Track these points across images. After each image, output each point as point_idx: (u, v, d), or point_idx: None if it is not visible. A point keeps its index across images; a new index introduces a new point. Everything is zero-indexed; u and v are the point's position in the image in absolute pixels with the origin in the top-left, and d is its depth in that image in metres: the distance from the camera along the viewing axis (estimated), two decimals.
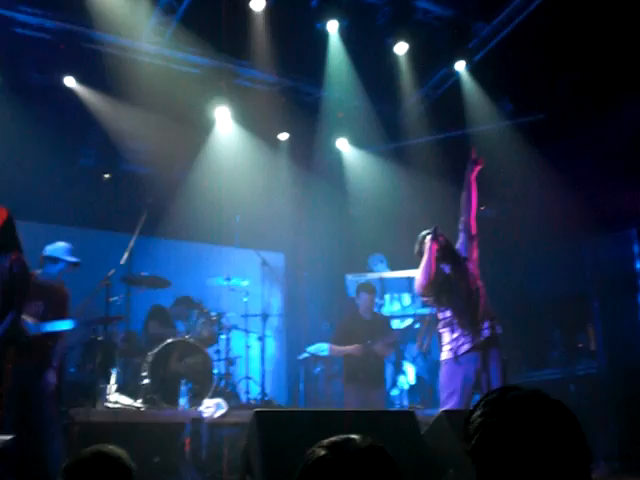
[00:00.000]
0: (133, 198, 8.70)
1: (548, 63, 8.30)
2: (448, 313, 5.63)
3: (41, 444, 5.55)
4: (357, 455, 1.69)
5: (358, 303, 7.99)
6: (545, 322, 9.03)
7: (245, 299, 8.79)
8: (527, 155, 8.73)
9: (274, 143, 9.54)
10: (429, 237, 5.68)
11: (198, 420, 6.90)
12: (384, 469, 1.71)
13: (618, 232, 8.32)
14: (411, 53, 8.52)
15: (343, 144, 10.22)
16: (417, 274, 5.69)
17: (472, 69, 8.90)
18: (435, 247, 5.63)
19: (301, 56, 8.47)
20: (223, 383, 7.97)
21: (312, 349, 8.52)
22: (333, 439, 1.75)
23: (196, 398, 7.29)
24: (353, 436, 1.76)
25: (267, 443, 3.71)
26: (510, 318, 7.19)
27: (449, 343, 5.56)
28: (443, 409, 4.30)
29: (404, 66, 8.70)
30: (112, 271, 7.31)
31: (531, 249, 9.00)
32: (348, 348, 7.73)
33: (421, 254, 5.72)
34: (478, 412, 1.74)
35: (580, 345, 8.86)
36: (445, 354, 5.57)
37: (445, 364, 5.53)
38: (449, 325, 5.60)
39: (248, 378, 8.56)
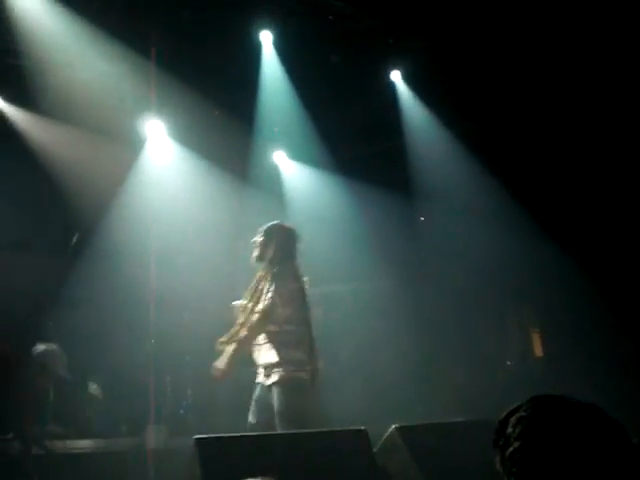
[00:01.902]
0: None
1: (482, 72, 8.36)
2: None
3: None
4: None
5: None
6: None
7: None
8: (464, 163, 8.75)
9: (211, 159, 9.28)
10: None
11: (138, 448, 6.62)
12: None
13: None
14: (346, 63, 8.43)
15: (280, 157, 10.05)
16: None
17: (408, 79, 8.90)
18: None
19: (234, 67, 8.27)
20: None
21: None
22: None
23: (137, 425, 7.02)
24: None
25: (209, 472, 3.49)
26: None
27: None
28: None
29: (340, 76, 8.60)
30: None
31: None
32: None
33: None
34: (515, 418, 1.58)
35: None
36: None
37: None
38: None
39: None
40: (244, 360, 8.19)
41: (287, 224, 5.28)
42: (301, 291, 4.95)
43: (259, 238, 5.11)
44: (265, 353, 4.83)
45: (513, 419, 1.57)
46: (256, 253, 5.07)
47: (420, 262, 9.65)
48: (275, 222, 5.20)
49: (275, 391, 4.62)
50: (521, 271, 8.67)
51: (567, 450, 1.48)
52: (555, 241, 8.26)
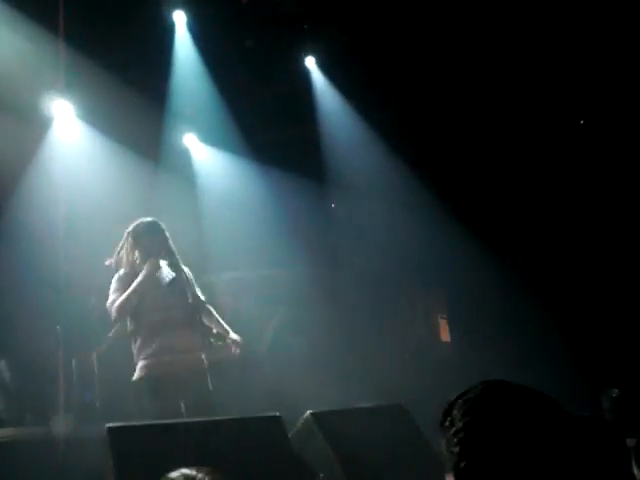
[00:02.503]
0: None
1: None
2: None
3: None
4: None
5: None
6: None
7: None
8: (377, 150, 8.85)
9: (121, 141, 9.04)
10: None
11: (47, 438, 6.43)
12: None
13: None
14: (262, 48, 8.36)
15: (191, 140, 9.90)
16: None
17: (322, 66, 8.92)
18: None
19: (146, 47, 8.07)
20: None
21: None
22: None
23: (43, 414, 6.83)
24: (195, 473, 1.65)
25: (121, 461, 3.42)
26: None
27: None
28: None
29: (255, 61, 8.53)
30: None
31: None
32: None
33: None
34: (463, 400, 1.57)
35: None
36: None
37: None
38: None
39: None
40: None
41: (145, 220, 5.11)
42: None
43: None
44: None
45: (460, 401, 1.58)
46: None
47: (333, 248, 9.71)
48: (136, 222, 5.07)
49: None
50: (431, 256, 8.85)
51: (510, 428, 1.49)
52: (467, 228, 8.47)
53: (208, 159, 9.90)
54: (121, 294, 4.72)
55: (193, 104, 9.03)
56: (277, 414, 3.95)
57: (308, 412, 4.06)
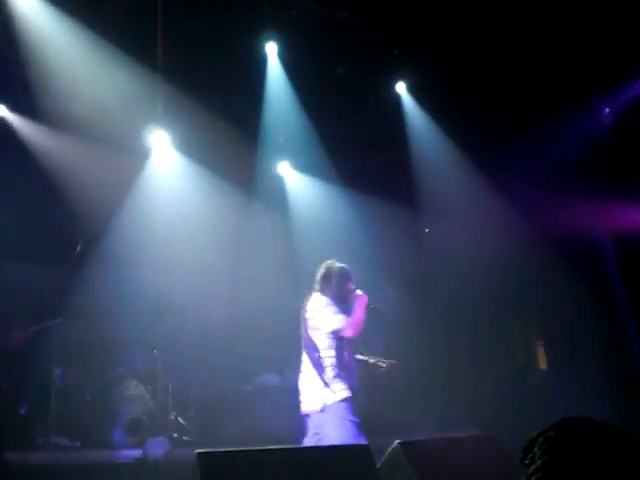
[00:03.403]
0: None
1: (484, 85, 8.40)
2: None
3: None
4: None
5: None
6: None
7: None
8: (469, 174, 8.76)
9: (216, 170, 9.26)
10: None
11: (142, 460, 6.58)
12: None
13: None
14: (352, 75, 8.44)
15: (285, 168, 10.05)
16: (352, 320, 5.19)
17: (412, 91, 8.92)
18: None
19: (240, 79, 8.27)
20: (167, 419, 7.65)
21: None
22: None
23: (139, 436, 6.99)
24: None
25: None
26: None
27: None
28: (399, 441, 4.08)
29: (345, 88, 8.61)
30: None
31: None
32: None
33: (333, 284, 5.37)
34: (543, 437, 1.56)
35: None
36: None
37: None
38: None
39: None
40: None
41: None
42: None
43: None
44: None
45: (541, 438, 1.56)
46: None
47: (424, 274, 9.62)
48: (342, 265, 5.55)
49: None
50: (528, 283, 8.67)
51: (589, 468, 1.47)
52: (558, 253, 8.26)
53: (301, 186, 10.02)
54: (345, 317, 5.09)
55: (286, 133, 9.17)
56: (366, 443, 3.92)
57: (397, 442, 4.01)
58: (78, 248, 7.82)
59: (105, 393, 7.50)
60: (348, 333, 5.12)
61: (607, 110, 8.58)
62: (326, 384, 4.91)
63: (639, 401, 7.71)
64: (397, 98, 9.02)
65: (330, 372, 4.98)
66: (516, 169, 8.49)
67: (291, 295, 9.36)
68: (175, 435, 7.49)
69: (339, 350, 5.11)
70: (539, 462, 1.51)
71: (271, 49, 8.23)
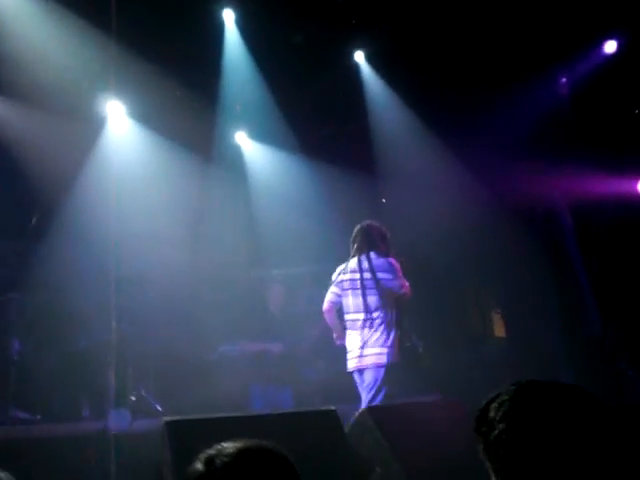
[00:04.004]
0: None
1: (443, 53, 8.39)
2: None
3: None
4: (229, 467, 1.57)
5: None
6: None
7: None
8: (428, 142, 8.79)
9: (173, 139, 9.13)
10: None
11: (103, 432, 6.53)
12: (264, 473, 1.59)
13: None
14: (310, 43, 8.36)
15: (242, 138, 9.96)
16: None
17: (371, 59, 8.89)
18: None
19: (197, 46, 8.14)
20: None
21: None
22: (210, 451, 1.63)
23: (100, 409, 6.94)
24: (228, 445, 1.63)
25: (179, 455, 3.46)
26: None
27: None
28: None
29: (303, 56, 8.54)
30: None
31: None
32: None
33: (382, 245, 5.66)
34: (497, 403, 1.57)
35: None
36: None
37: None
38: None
39: None
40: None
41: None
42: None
43: None
44: None
45: (494, 404, 1.57)
46: None
47: None
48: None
49: None
50: (485, 252, 8.76)
51: (553, 427, 1.49)
52: (517, 221, 8.37)
53: (259, 156, 9.95)
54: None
55: (243, 101, 9.08)
56: (333, 408, 3.95)
57: (363, 407, 4.05)
58: (33, 220, 7.66)
59: (65, 365, 7.41)
60: (409, 296, 5.41)
61: (564, 80, 8.67)
62: (392, 344, 5.31)
63: (595, 368, 7.88)
64: (356, 67, 8.98)
65: (396, 333, 5.39)
66: (475, 137, 8.54)
67: (250, 263, 9.37)
68: (136, 406, 7.46)
69: (399, 312, 5.37)
70: (501, 426, 1.52)
71: (228, 16, 8.12)
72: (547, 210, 8.77)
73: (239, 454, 1.59)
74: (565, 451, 1.47)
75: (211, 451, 1.62)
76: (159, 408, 7.59)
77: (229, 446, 1.61)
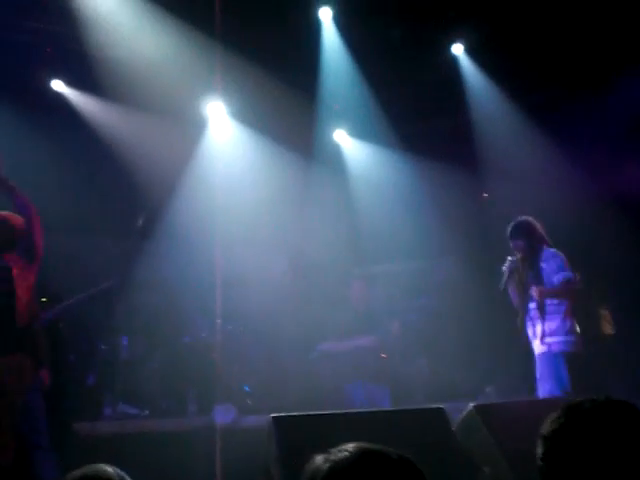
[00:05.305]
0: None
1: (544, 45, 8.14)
2: None
3: (28, 460, 4.89)
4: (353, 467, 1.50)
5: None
6: None
7: None
8: (530, 135, 8.57)
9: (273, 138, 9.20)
10: None
11: (209, 427, 6.66)
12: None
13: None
14: (408, 38, 8.28)
15: (341, 136, 9.97)
16: None
17: (470, 52, 8.73)
18: None
19: (295, 46, 8.19)
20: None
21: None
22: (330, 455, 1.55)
23: (206, 405, 7.07)
24: (350, 446, 1.56)
25: (287, 450, 3.48)
26: None
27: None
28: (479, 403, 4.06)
29: (401, 51, 8.46)
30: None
31: None
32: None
33: None
34: (553, 417, 1.64)
35: None
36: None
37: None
38: None
39: None
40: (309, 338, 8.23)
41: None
42: None
43: None
44: None
45: (550, 419, 1.67)
46: None
47: (485, 237, 9.46)
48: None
49: None
50: (590, 245, 8.47)
51: (589, 456, 1.53)
52: (628, 210, 8.04)
53: (358, 153, 9.94)
54: None
55: (342, 99, 9.07)
56: (441, 407, 3.88)
57: (471, 405, 3.96)
58: (140, 221, 7.88)
59: (171, 362, 7.60)
60: None
61: None
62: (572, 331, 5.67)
63: None
64: (455, 60, 8.83)
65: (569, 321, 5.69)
66: (581, 128, 8.27)
67: (353, 262, 9.36)
68: (241, 402, 7.56)
69: None
70: (547, 444, 1.62)
71: (326, 14, 8.14)
72: None
73: (362, 455, 1.53)
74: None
75: (333, 451, 1.56)
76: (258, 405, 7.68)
77: (350, 447, 1.55)
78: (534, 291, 5.73)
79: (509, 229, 6.02)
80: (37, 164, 7.74)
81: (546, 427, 1.62)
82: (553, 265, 5.77)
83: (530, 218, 6.08)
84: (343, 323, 7.71)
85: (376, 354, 7.63)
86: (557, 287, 5.73)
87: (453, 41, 8.78)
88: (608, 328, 9.77)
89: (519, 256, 5.89)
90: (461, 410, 4.15)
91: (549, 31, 8.04)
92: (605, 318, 9.80)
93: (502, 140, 8.68)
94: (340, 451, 1.54)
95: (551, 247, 5.95)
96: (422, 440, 3.55)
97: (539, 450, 1.61)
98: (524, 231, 5.95)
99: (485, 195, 10.09)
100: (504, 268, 5.89)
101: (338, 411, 3.78)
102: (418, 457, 3.41)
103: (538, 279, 5.76)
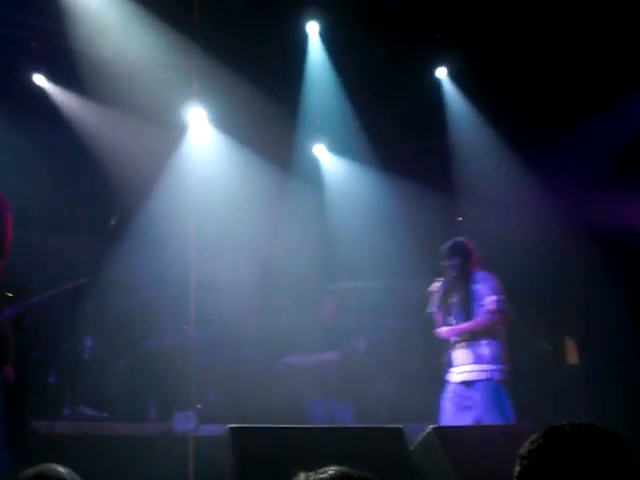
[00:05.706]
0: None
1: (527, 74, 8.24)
2: None
3: None
4: None
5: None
6: None
7: None
8: (508, 162, 8.65)
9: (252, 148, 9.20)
10: None
11: (168, 434, 6.62)
12: None
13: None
14: (393, 58, 8.34)
15: (321, 150, 9.99)
16: None
17: (454, 76, 8.80)
18: None
19: (280, 57, 8.21)
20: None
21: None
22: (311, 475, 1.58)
23: (166, 411, 7.02)
24: (330, 470, 1.58)
25: (242, 461, 3.46)
26: None
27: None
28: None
29: (385, 71, 8.51)
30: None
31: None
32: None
33: None
34: (533, 438, 1.64)
35: None
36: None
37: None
38: None
39: None
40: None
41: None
42: None
43: None
44: None
45: (530, 440, 1.65)
46: None
47: None
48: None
49: None
50: (562, 272, 8.55)
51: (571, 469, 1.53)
52: (600, 242, 8.12)
53: (336, 169, 9.96)
54: None
55: (324, 113, 9.10)
56: (400, 426, 3.88)
57: (430, 427, 3.97)
58: (112, 222, 7.84)
59: (134, 366, 7.55)
60: None
61: None
62: (500, 359, 5.68)
63: None
64: (438, 83, 8.91)
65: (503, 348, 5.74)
66: (558, 159, 8.35)
67: (324, 277, 9.36)
68: (201, 410, 7.51)
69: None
70: (524, 463, 1.61)
71: (312, 28, 8.17)
72: (633, 237, 8.46)
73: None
74: None
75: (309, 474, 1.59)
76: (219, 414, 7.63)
77: (331, 470, 1.58)
78: (441, 333, 5.84)
79: (446, 248, 6.02)
80: (14, 157, 7.68)
81: (525, 447, 1.62)
82: (488, 287, 5.77)
83: (466, 239, 6.14)
84: (311, 337, 7.71)
85: (340, 370, 7.64)
86: (472, 322, 5.74)
87: (437, 64, 8.85)
88: (573, 358, 9.85)
89: (451, 275, 5.89)
90: (423, 431, 4.15)
91: (532, 61, 8.14)
92: (571, 348, 9.88)
93: (480, 165, 8.74)
94: (323, 472, 1.57)
95: (483, 270, 5.97)
96: (379, 458, 3.55)
97: (516, 469, 1.62)
98: (461, 250, 5.96)
99: (460, 219, 10.14)
100: (430, 290, 5.95)
101: (296, 425, 3.77)
102: (374, 475, 3.41)
103: (468, 300, 5.76)
